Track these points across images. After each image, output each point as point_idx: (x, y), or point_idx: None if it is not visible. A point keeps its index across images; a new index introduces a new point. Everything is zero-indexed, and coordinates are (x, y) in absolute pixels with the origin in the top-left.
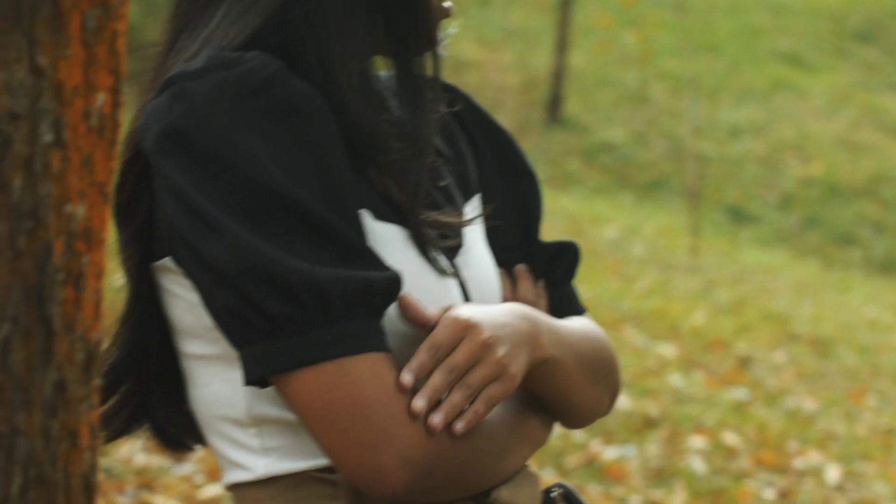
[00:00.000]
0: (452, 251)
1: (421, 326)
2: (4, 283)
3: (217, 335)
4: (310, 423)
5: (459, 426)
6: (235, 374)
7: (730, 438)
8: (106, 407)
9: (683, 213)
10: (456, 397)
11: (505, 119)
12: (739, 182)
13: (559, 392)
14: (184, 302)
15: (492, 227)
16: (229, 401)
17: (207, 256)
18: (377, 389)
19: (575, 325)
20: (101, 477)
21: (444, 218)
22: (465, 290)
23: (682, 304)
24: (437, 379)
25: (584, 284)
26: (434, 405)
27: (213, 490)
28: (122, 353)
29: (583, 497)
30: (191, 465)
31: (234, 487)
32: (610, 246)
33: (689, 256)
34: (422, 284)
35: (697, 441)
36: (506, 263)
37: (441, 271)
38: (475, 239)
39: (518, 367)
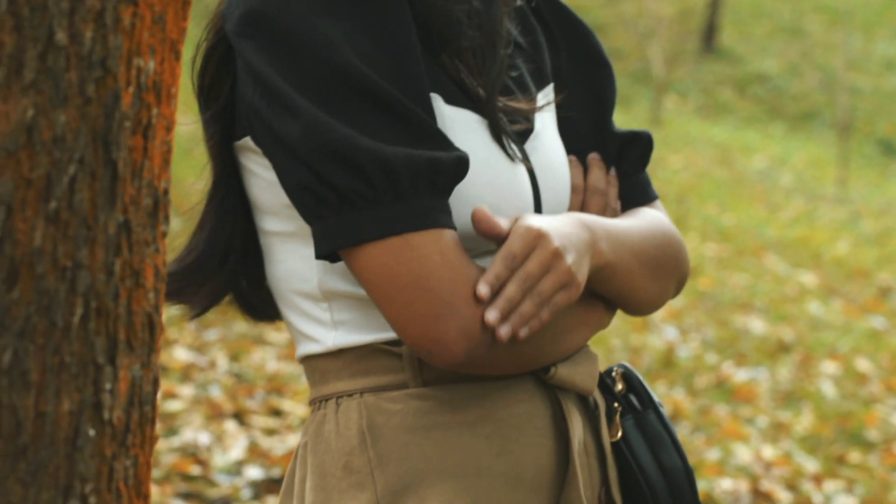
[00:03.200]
0: (522, 137)
1: (493, 238)
2: (73, 127)
3: (293, 212)
4: (376, 295)
5: (524, 333)
6: (309, 251)
7: (862, 365)
8: (196, 279)
9: (833, 145)
10: (527, 306)
11: (659, 48)
12: (891, 115)
13: (619, 291)
14: (262, 180)
15: (565, 116)
16: (303, 276)
17: (282, 135)
18: (441, 264)
19: (637, 222)
20: (231, 381)
21: (516, 104)
22: (534, 177)
23: (826, 233)
24: (511, 290)
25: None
26: (507, 315)
27: None
28: (209, 229)
29: (646, 382)
30: None
31: (306, 359)
32: (758, 175)
33: (836, 187)
34: (492, 168)
35: (829, 366)
36: (578, 151)
37: (511, 156)
38: (546, 126)
39: (583, 275)
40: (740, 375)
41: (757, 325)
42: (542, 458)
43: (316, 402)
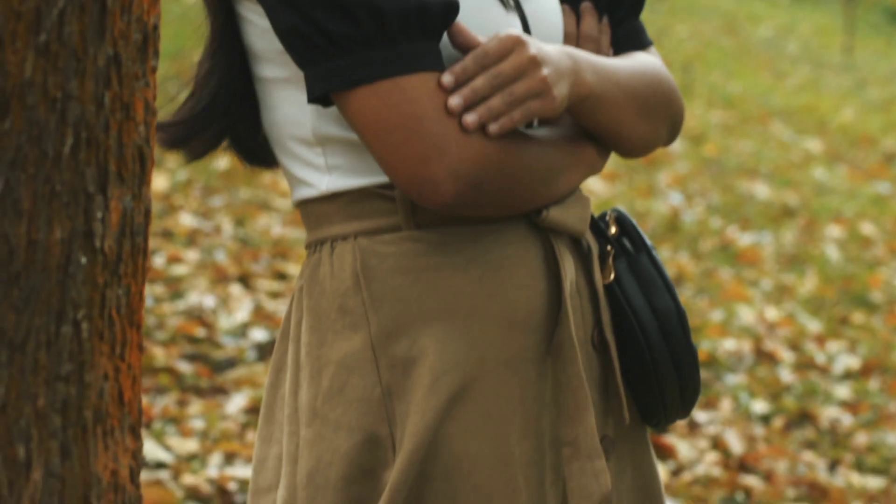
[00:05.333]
0: None
1: (470, 49)
2: None
3: (286, 59)
4: (367, 138)
5: (494, 128)
6: (303, 97)
7: (867, 229)
8: (199, 127)
9: (839, 13)
10: (495, 101)
11: None
12: None
13: (607, 127)
14: (257, 28)
15: None
16: (297, 121)
17: None
18: (431, 106)
19: (627, 61)
20: (236, 245)
21: None
22: (527, 24)
23: (831, 101)
24: (479, 82)
25: (735, 80)
26: (472, 105)
27: None
28: (209, 79)
29: (639, 227)
30: None
31: (302, 204)
32: (764, 44)
33: (842, 55)
34: (485, 14)
35: (834, 231)
36: (571, 0)
37: (504, 3)
38: None
39: (560, 93)
40: (745, 239)
41: (762, 190)
42: (533, 299)
43: (311, 246)
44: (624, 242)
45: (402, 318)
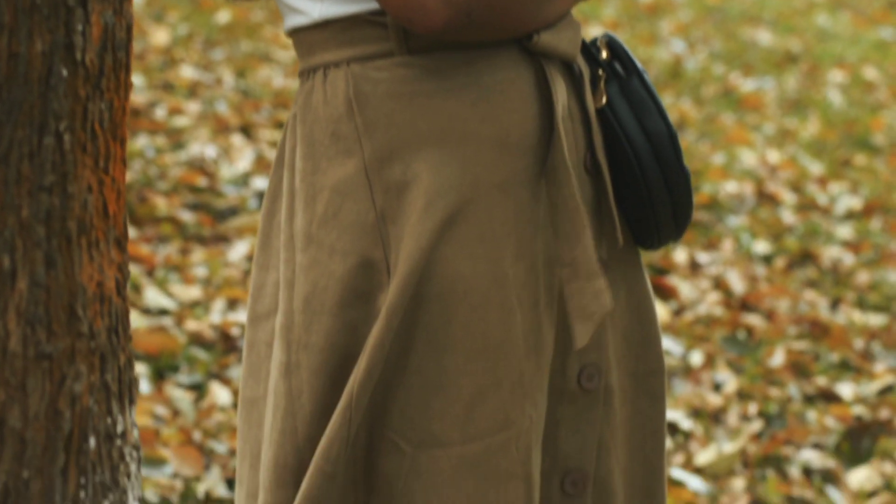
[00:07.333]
0: None
1: None
2: None
3: None
4: None
5: None
6: None
7: (870, 73)
8: None
9: None
10: None
11: None
12: None
13: None
14: None
15: None
16: None
17: None
18: None
19: None
20: (238, 97)
21: None
22: None
23: None
24: None
25: None
26: None
27: None
28: None
29: (630, 51)
30: None
31: (294, 32)
32: None
33: None
34: None
35: (837, 75)
36: None
37: None
38: None
39: None
40: (747, 85)
41: (764, 37)
42: (526, 122)
43: (304, 74)
44: (615, 66)
45: (396, 142)
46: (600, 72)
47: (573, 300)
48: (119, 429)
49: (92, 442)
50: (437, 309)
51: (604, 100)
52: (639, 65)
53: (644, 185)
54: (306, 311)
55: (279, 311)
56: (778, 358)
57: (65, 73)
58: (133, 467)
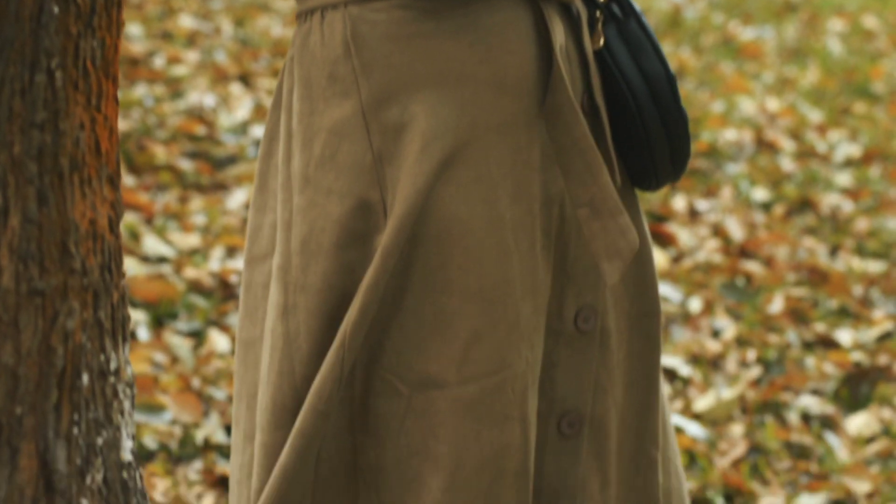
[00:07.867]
0: None
1: None
2: None
3: None
4: None
5: None
6: None
7: (870, 22)
8: None
9: None
10: None
11: None
12: None
13: None
14: None
15: None
16: None
17: None
18: None
19: None
20: (236, 46)
21: None
22: None
23: None
24: None
25: None
26: None
27: None
28: None
29: None
30: None
31: None
32: None
33: None
34: None
35: (836, 24)
36: None
37: None
38: None
39: None
40: (747, 34)
41: None
42: (524, 64)
43: (302, 16)
44: (613, 8)
45: (393, 84)
46: (598, 13)
47: (598, 240)
48: (112, 366)
49: (85, 378)
50: (433, 250)
51: (601, 41)
52: (636, 7)
53: (642, 126)
54: (303, 252)
55: (276, 252)
56: (777, 305)
57: (56, 10)
58: (126, 404)
